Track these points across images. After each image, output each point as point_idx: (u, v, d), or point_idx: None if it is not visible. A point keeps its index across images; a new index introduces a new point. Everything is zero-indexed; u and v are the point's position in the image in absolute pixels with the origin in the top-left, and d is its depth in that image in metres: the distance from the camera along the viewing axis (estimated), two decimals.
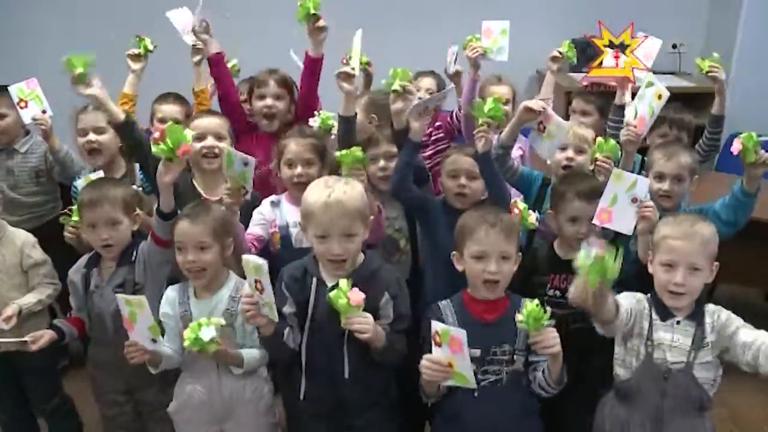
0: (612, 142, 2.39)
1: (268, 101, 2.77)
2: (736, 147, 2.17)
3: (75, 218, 2.35)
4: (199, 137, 2.47)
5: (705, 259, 1.87)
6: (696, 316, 1.91)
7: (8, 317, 2.24)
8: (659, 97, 2.32)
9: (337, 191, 1.90)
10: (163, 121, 2.88)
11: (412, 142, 2.29)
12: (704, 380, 1.89)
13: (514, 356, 1.94)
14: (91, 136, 2.65)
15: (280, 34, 3.03)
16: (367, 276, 1.93)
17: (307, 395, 2.01)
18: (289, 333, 1.97)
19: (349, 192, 1.92)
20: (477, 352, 1.91)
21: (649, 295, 1.96)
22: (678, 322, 1.90)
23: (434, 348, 1.79)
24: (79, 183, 2.77)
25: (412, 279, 2.41)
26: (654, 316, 1.92)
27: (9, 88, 2.89)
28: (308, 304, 1.96)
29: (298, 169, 2.37)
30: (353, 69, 2.31)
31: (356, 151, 2.21)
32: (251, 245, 2.32)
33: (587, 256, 1.68)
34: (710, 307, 1.93)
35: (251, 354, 2.09)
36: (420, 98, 2.36)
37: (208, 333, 1.86)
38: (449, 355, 1.76)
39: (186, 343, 1.88)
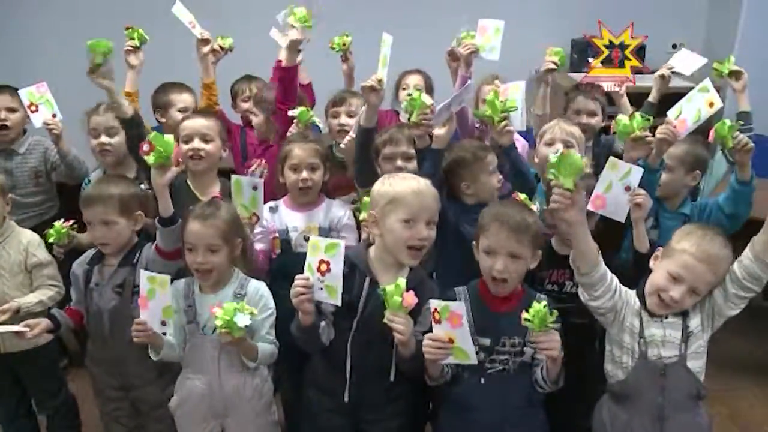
0: (638, 116, 2.32)
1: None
2: (711, 137, 2.25)
3: (51, 240, 2.42)
4: (186, 139, 2.48)
5: (710, 286, 1.89)
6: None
7: (3, 311, 2.23)
8: (711, 104, 2.25)
9: (422, 179, 2.00)
10: (184, 110, 2.94)
11: (437, 151, 2.28)
12: (696, 369, 1.92)
13: (524, 348, 1.96)
14: (104, 138, 2.66)
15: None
16: (417, 282, 1.95)
17: (350, 394, 2.01)
18: (325, 328, 1.97)
19: (428, 182, 2.02)
20: (487, 341, 1.94)
21: (636, 291, 1.97)
22: (666, 317, 1.92)
23: (434, 326, 1.81)
24: (93, 175, 2.80)
25: None
26: (644, 313, 1.94)
27: (19, 91, 2.91)
28: (357, 302, 1.96)
29: (303, 174, 2.39)
30: (380, 82, 2.28)
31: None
32: (261, 262, 2.36)
33: (554, 156, 1.75)
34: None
35: (265, 349, 2.10)
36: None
37: (243, 320, 1.88)
38: (450, 330, 1.79)
39: (218, 323, 1.89)
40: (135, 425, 2.38)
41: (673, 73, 2.87)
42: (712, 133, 2.27)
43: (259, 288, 2.13)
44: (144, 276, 1.98)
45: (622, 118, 2.33)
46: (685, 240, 1.90)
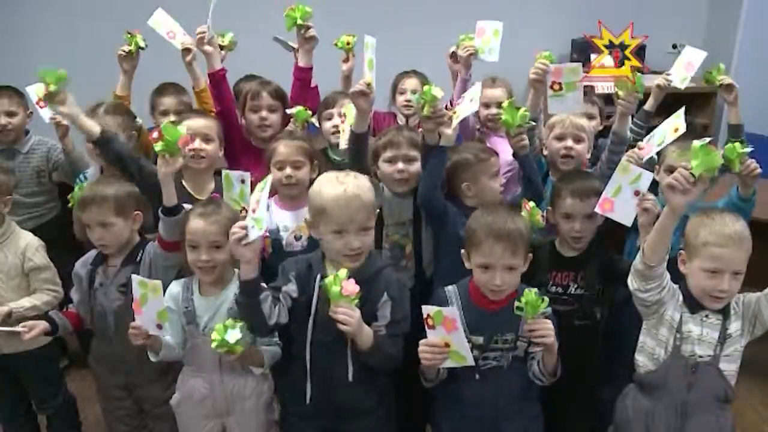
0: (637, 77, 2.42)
1: (263, 113, 2.75)
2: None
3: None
4: None
5: (746, 261, 1.87)
6: (724, 308, 1.92)
7: None
8: (675, 130, 2.28)
9: (352, 186, 1.92)
10: (164, 113, 2.91)
11: (444, 148, 2.26)
12: (728, 372, 1.91)
13: (517, 343, 1.97)
14: None
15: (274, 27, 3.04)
16: (370, 275, 1.94)
17: (312, 398, 2.01)
18: (273, 304, 1.92)
19: (362, 185, 1.94)
20: (480, 340, 1.93)
21: (678, 286, 1.95)
22: (707, 316, 1.91)
23: (428, 332, 1.80)
24: (89, 172, 2.79)
25: (416, 283, 2.40)
26: (684, 308, 1.93)
27: (27, 88, 2.90)
28: (312, 298, 1.95)
29: (287, 171, 2.38)
30: (369, 86, 2.25)
31: None
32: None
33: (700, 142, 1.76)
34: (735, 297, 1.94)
35: (269, 352, 2.11)
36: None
37: (233, 335, 1.88)
38: (444, 335, 1.79)
39: (213, 345, 1.89)
40: (137, 424, 2.38)
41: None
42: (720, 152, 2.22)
43: None
44: (136, 281, 1.98)
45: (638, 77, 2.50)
46: (702, 232, 1.88)
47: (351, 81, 3.06)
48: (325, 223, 1.91)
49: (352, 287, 1.79)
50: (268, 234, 2.41)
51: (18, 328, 2.22)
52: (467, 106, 2.31)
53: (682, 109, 2.34)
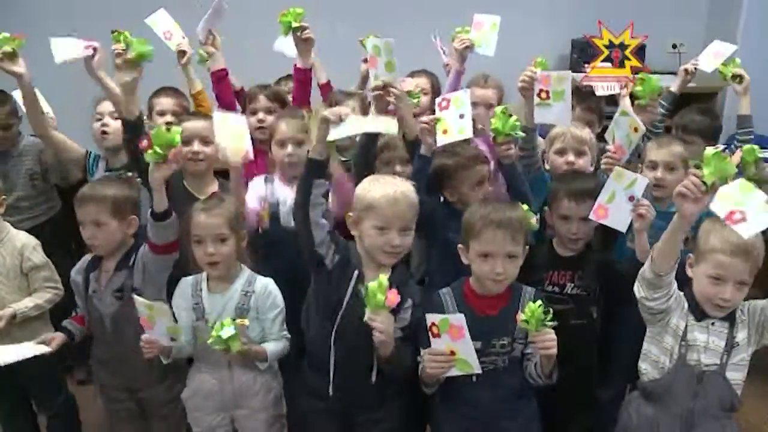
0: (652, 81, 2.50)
1: (260, 116, 2.78)
2: (736, 159, 2.15)
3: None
4: (186, 141, 2.47)
5: (753, 272, 1.84)
6: (730, 316, 1.90)
7: None
8: (635, 130, 2.29)
9: (401, 186, 1.99)
10: (161, 113, 2.92)
11: (424, 157, 2.26)
12: (735, 381, 1.90)
13: (513, 345, 1.97)
14: (107, 120, 2.77)
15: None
16: (400, 280, 1.96)
17: (334, 392, 2.02)
18: (326, 219, 1.99)
19: (410, 188, 2.01)
20: (477, 345, 1.92)
21: (682, 293, 1.93)
22: (713, 323, 1.89)
23: (433, 340, 1.80)
24: (101, 166, 2.87)
25: None
26: (689, 316, 1.90)
27: (13, 93, 2.91)
28: (345, 294, 1.97)
29: (289, 149, 2.39)
30: (385, 87, 2.25)
31: None
32: (253, 220, 2.38)
33: (714, 149, 1.72)
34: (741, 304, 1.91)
35: (274, 347, 2.13)
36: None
37: (226, 332, 1.92)
38: (450, 343, 1.78)
39: (210, 342, 1.93)
40: (140, 425, 2.38)
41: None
42: (738, 154, 2.16)
43: (267, 285, 2.15)
44: (140, 304, 2.01)
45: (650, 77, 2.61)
46: (711, 238, 1.85)
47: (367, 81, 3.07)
48: (370, 219, 1.95)
49: (394, 297, 1.78)
50: (267, 205, 2.41)
51: (42, 349, 2.24)
52: (457, 132, 2.20)
53: (627, 105, 2.38)
